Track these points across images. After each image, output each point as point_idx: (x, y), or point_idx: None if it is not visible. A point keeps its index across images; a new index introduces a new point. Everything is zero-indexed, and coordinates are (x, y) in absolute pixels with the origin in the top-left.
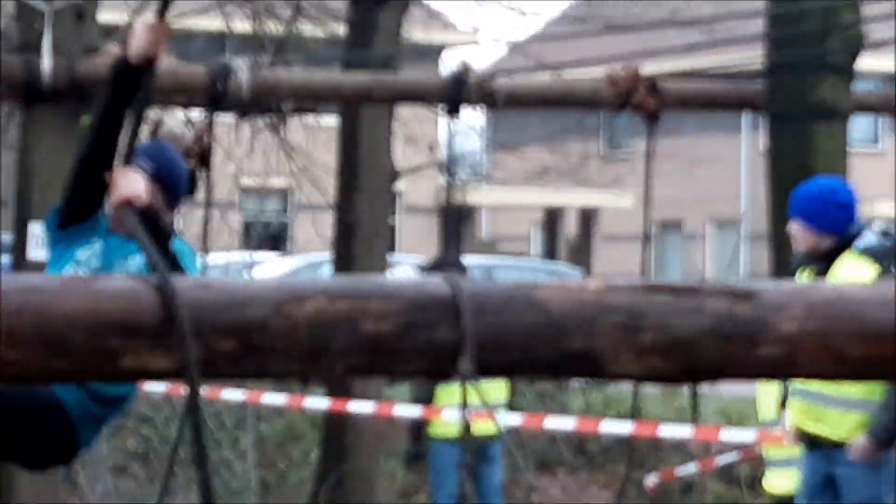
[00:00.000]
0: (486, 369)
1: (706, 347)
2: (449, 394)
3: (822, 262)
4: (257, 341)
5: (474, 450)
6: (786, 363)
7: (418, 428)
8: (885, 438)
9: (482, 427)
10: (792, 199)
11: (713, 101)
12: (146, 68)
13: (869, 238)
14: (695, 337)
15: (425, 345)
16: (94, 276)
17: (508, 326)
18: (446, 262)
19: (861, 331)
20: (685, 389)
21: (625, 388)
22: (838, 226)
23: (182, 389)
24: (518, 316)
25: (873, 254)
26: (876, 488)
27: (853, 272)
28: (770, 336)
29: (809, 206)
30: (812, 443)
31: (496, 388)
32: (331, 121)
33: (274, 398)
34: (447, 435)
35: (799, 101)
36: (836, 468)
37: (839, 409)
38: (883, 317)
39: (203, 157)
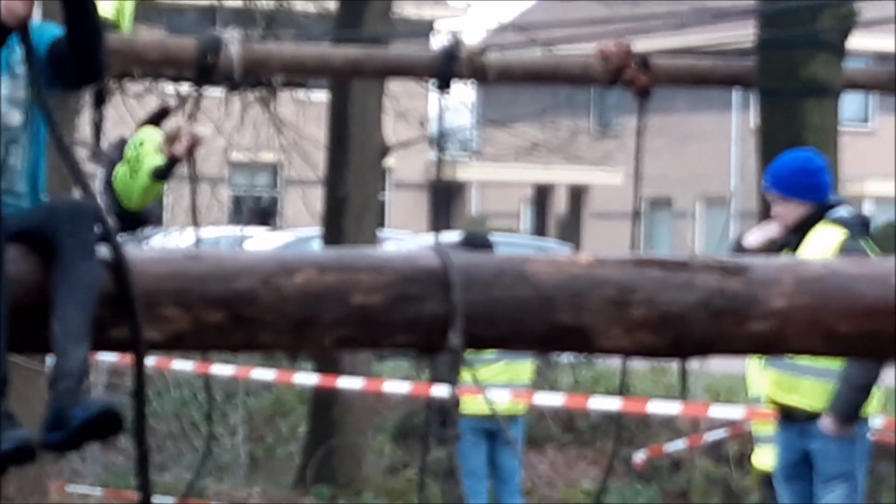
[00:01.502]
0: (476, 343)
1: (696, 322)
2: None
3: (799, 232)
4: (246, 313)
5: (496, 429)
6: (775, 339)
7: (444, 410)
8: (848, 412)
9: (504, 406)
10: (766, 174)
11: (704, 78)
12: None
13: (842, 211)
14: (685, 312)
15: (415, 318)
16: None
17: (498, 300)
18: (473, 240)
19: (851, 307)
20: (674, 366)
21: (614, 364)
22: (812, 192)
23: (171, 363)
24: (508, 289)
25: (843, 221)
26: (850, 462)
27: (824, 240)
28: (760, 311)
29: (783, 175)
30: (786, 414)
31: (522, 369)
32: (321, 96)
33: (263, 373)
34: (470, 413)
35: (790, 77)
36: (811, 443)
37: (812, 379)
38: (873, 293)
39: (190, 152)
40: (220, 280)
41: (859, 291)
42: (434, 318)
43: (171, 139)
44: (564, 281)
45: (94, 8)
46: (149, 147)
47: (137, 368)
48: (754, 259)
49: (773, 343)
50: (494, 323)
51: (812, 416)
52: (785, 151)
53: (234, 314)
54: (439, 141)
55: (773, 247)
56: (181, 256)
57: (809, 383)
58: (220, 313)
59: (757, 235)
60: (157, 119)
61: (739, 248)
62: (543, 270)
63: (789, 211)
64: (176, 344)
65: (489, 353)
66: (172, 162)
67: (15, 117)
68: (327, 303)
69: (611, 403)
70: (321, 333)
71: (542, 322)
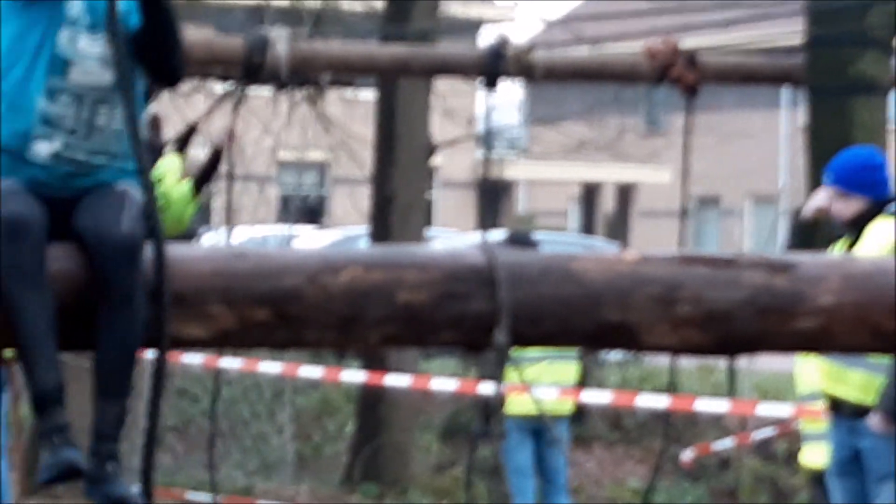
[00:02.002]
0: (522, 340)
1: (742, 320)
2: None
3: (856, 227)
4: (291, 311)
5: (542, 429)
6: (822, 336)
7: (487, 407)
8: (895, 410)
9: (552, 406)
10: (827, 169)
11: (752, 75)
12: None
13: None
14: (731, 309)
15: (460, 315)
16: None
17: (544, 298)
18: (517, 239)
19: None
20: (722, 364)
21: (662, 362)
22: (872, 188)
23: (220, 361)
24: (554, 287)
25: None
26: None
27: (881, 234)
28: (807, 308)
29: (845, 170)
30: (834, 405)
31: (566, 369)
32: (369, 94)
33: (311, 371)
34: (515, 413)
35: (838, 75)
36: (861, 441)
37: (861, 372)
38: None
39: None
40: (265, 278)
41: None
42: (479, 316)
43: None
44: (611, 279)
45: (172, 15)
46: (170, 178)
47: (159, 364)
48: (801, 256)
49: (820, 340)
50: (540, 321)
51: (859, 410)
52: (835, 149)
53: (280, 312)
54: (486, 139)
55: (823, 216)
56: (227, 254)
57: (859, 375)
58: (266, 311)
59: (810, 207)
60: (185, 138)
61: (797, 220)
62: (589, 268)
63: (849, 206)
64: (221, 341)
65: (532, 352)
66: (202, 179)
67: (106, 77)
68: (373, 300)
69: (658, 401)
70: (367, 331)
71: (589, 320)
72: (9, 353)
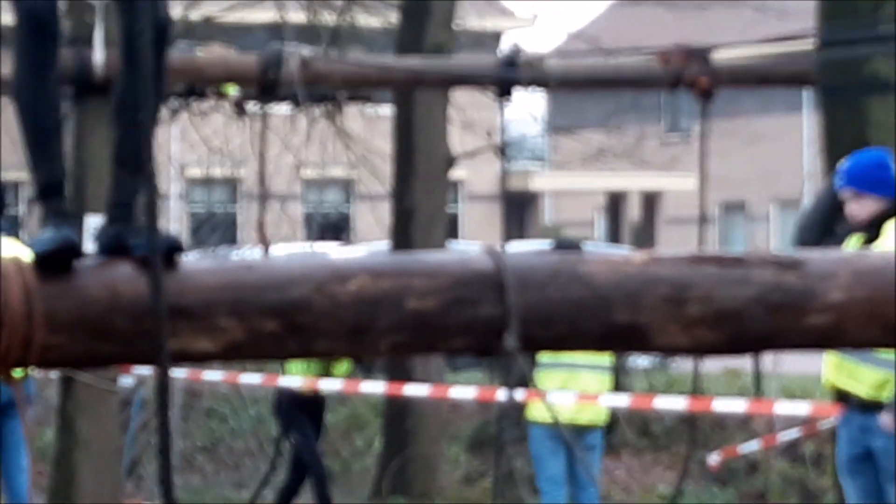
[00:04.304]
0: (532, 344)
1: (753, 318)
2: (543, 378)
3: (873, 227)
4: (301, 321)
5: (572, 436)
6: (834, 332)
7: (503, 411)
8: None
9: (580, 414)
10: (839, 173)
11: (767, 78)
12: None
13: None
14: (742, 307)
15: (470, 321)
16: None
17: (553, 301)
18: (564, 246)
19: None
20: (747, 368)
21: (687, 368)
22: (886, 187)
23: (241, 377)
24: (563, 290)
25: None
26: None
27: None
28: (818, 305)
29: (857, 171)
30: (844, 399)
31: (599, 379)
32: (388, 110)
33: (331, 384)
34: (542, 420)
35: (851, 74)
36: (873, 440)
37: (871, 367)
38: None
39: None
40: (274, 289)
41: None
42: (489, 321)
43: None
44: (620, 280)
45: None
46: None
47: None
48: (810, 253)
49: (832, 336)
50: (550, 324)
51: (867, 405)
52: (851, 150)
53: (289, 322)
54: (503, 150)
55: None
56: (235, 266)
57: (869, 371)
58: (276, 322)
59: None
60: None
61: (831, 190)
62: (598, 270)
63: (864, 207)
64: (231, 354)
65: (547, 359)
66: None
67: None
68: (382, 309)
69: (677, 403)
70: (377, 339)
71: (599, 322)
72: (18, 372)
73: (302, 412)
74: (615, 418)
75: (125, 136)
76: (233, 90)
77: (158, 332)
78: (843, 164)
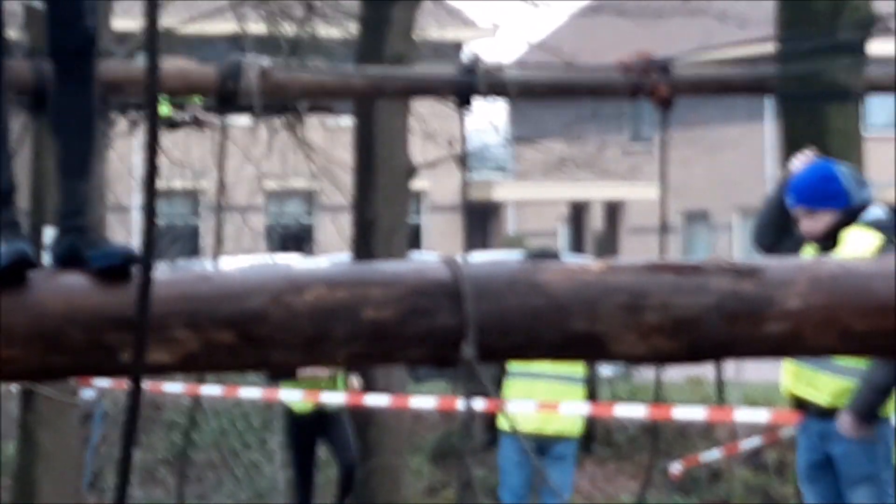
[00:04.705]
0: (490, 354)
1: (711, 326)
2: (512, 387)
3: (829, 240)
4: (257, 332)
5: (539, 447)
6: (792, 339)
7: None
8: (866, 412)
9: (547, 425)
10: (787, 193)
11: (727, 86)
12: None
13: (876, 212)
14: (699, 315)
15: (427, 331)
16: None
17: (511, 310)
18: (540, 256)
19: (867, 305)
20: (710, 376)
21: (651, 377)
22: (836, 199)
23: (201, 388)
24: (520, 299)
25: (878, 225)
26: (873, 464)
27: (858, 244)
28: (775, 312)
29: (804, 188)
30: (800, 406)
31: (563, 389)
32: (349, 121)
33: (292, 394)
34: (510, 429)
35: (811, 82)
36: (832, 446)
37: (829, 375)
38: (889, 290)
39: None
40: (230, 300)
41: (874, 289)
42: (447, 331)
43: None
44: (577, 288)
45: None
46: None
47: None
48: (768, 260)
49: (790, 343)
50: (508, 333)
51: (825, 412)
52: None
53: (245, 333)
54: (464, 160)
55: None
56: (191, 278)
57: (827, 379)
58: (231, 333)
59: (801, 160)
60: None
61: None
62: (556, 279)
63: (819, 222)
64: (187, 366)
65: (515, 368)
66: None
67: None
68: (338, 319)
69: (638, 411)
70: (333, 350)
71: (557, 330)
72: None
73: (305, 432)
74: (592, 429)
75: (64, 146)
76: (198, 102)
77: (140, 345)
78: (791, 181)
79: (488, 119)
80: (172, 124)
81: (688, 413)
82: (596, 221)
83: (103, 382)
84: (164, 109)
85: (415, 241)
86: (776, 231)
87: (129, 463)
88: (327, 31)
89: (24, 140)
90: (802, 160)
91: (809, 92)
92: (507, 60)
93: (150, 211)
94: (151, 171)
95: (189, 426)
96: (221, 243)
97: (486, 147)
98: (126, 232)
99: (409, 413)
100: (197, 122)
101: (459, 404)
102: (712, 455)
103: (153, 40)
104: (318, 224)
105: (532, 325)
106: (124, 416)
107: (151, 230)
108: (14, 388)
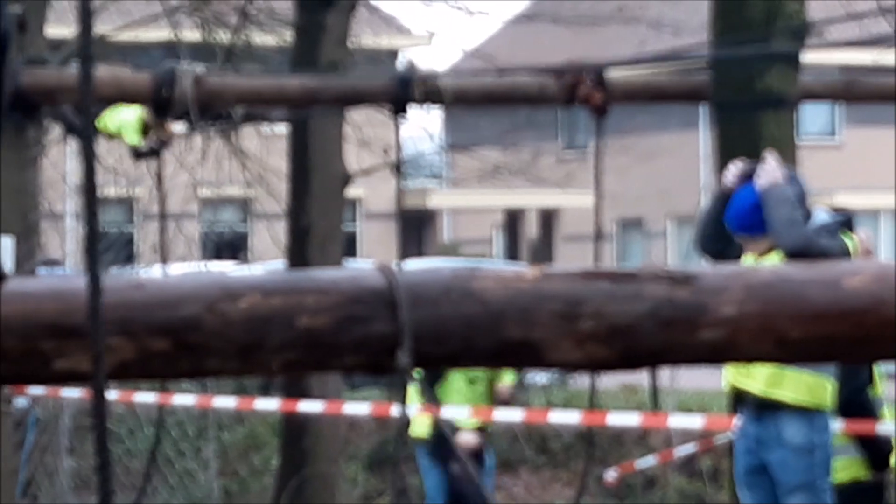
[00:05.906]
0: (426, 361)
1: (646, 333)
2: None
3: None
4: (191, 340)
5: (449, 453)
6: (727, 346)
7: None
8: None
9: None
10: (728, 222)
11: (661, 94)
12: None
13: (822, 216)
14: (634, 323)
15: (363, 338)
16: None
17: (446, 317)
18: None
19: (802, 311)
20: (645, 384)
21: (586, 384)
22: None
23: (136, 396)
24: (455, 306)
25: (825, 229)
26: (809, 472)
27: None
28: (710, 319)
29: (742, 216)
30: (739, 398)
31: (477, 393)
32: (284, 129)
33: (226, 401)
34: (418, 436)
35: (745, 90)
36: (769, 454)
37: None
38: (823, 296)
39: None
40: (164, 307)
41: (809, 296)
42: (382, 339)
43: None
44: (512, 296)
45: None
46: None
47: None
48: (703, 268)
49: (725, 350)
50: (443, 341)
51: (760, 404)
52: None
53: (180, 341)
54: (399, 167)
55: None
56: (124, 285)
57: (765, 369)
58: (166, 341)
59: (732, 172)
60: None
61: (723, 194)
62: (490, 286)
63: (762, 245)
64: (121, 374)
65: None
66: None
67: None
68: (273, 327)
69: (572, 417)
70: (268, 358)
71: (492, 338)
72: None
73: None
74: (511, 434)
75: None
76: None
77: (96, 353)
78: (729, 210)
79: (423, 127)
80: (139, 154)
81: (622, 420)
82: (531, 229)
83: (37, 390)
84: (135, 138)
85: (350, 248)
86: (720, 239)
87: (108, 475)
88: (262, 38)
89: None
90: (734, 171)
91: (743, 100)
92: (442, 68)
93: (92, 219)
94: (90, 181)
95: (157, 433)
96: (167, 250)
97: (422, 154)
98: (60, 238)
99: (344, 420)
100: (163, 145)
101: (394, 411)
102: (647, 462)
103: (87, 47)
104: (253, 232)
105: (467, 332)
106: (91, 430)
107: (94, 239)
108: None
